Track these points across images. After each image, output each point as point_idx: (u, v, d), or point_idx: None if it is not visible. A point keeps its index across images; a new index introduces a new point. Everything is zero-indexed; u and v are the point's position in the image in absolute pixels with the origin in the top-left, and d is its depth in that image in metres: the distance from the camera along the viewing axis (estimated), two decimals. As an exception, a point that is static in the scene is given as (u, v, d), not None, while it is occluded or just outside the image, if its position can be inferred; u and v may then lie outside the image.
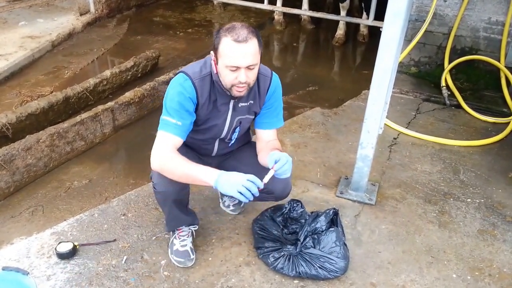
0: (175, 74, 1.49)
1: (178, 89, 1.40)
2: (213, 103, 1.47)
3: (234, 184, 1.27)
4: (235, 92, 1.39)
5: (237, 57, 1.30)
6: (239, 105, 1.50)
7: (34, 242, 1.69)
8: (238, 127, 1.57)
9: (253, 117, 1.58)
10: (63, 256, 1.61)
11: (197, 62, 1.48)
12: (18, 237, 1.88)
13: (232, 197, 1.85)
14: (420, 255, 1.73)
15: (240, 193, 1.26)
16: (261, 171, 1.44)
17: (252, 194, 1.28)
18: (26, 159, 2.25)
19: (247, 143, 1.73)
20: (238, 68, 1.33)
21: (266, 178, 1.36)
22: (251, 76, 1.37)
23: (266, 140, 1.59)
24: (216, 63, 1.38)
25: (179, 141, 1.42)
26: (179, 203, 1.54)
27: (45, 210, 2.11)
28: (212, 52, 1.40)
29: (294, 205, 1.74)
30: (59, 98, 2.76)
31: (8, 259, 1.61)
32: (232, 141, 1.63)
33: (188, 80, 1.41)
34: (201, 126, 1.51)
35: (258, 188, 1.29)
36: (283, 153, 1.39)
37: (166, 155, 1.37)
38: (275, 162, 1.36)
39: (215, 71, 1.42)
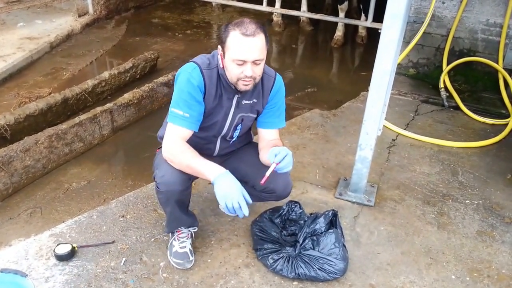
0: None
1: (187, 77, 1.42)
2: (219, 98, 1.48)
3: (228, 197, 1.31)
4: (241, 86, 1.40)
5: (244, 50, 1.32)
6: (243, 102, 1.51)
7: (33, 243, 1.68)
8: (240, 125, 1.58)
9: (256, 116, 1.59)
10: (61, 258, 1.60)
11: (205, 55, 1.49)
12: (17, 239, 1.87)
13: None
14: (419, 257, 1.74)
15: (226, 206, 1.30)
16: (262, 170, 1.45)
17: (234, 212, 1.32)
18: (24, 160, 2.24)
19: (248, 143, 1.73)
20: (244, 62, 1.34)
21: (268, 172, 1.38)
22: (257, 71, 1.39)
23: (268, 140, 1.60)
24: (223, 57, 1.40)
25: (188, 133, 1.45)
26: (181, 204, 1.55)
27: (44, 211, 2.11)
28: (219, 46, 1.42)
29: (293, 206, 1.74)
30: (57, 99, 2.76)
31: (7, 261, 1.60)
32: (234, 139, 1.63)
33: (197, 68, 1.43)
34: (204, 123, 1.52)
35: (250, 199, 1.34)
36: (283, 147, 1.42)
37: (174, 147, 1.42)
38: (276, 156, 1.39)
39: (221, 66, 1.43)
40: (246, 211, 1.31)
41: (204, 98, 1.45)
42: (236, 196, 1.31)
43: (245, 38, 1.32)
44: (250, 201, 1.33)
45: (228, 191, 1.31)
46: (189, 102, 1.42)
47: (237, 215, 1.32)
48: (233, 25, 1.35)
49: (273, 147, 1.45)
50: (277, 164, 1.38)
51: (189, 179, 1.48)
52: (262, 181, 1.38)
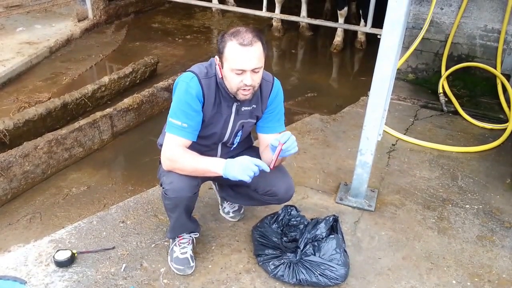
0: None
1: (185, 87, 1.42)
2: (217, 107, 1.49)
3: (243, 169, 1.34)
4: (241, 95, 1.41)
5: (243, 60, 1.33)
6: (242, 109, 1.52)
7: (32, 250, 1.67)
8: (241, 131, 1.58)
9: (255, 121, 1.60)
10: (61, 264, 1.59)
11: (203, 63, 1.50)
12: (16, 245, 1.86)
13: (232, 203, 1.86)
14: (420, 261, 1.74)
15: (250, 176, 1.34)
16: (263, 174, 1.45)
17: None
18: (23, 166, 2.24)
19: (248, 147, 1.73)
20: (244, 71, 1.35)
21: (275, 155, 1.39)
22: (256, 79, 1.39)
23: (268, 144, 1.59)
24: (221, 67, 1.41)
25: (187, 142, 1.46)
26: (188, 210, 1.55)
27: (43, 217, 2.10)
28: (216, 57, 1.43)
29: (289, 210, 1.73)
30: (57, 104, 2.76)
31: (6, 267, 1.58)
32: (234, 145, 1.64)
33: (195, 78, 1.43)
34: (205, 132, 1.52)
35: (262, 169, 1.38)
36: (284, 132, 1.42)
37: (174, 154, 1.42)
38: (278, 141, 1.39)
39: (220, 76, 1.44)
40: (266, 167, 1.36)
41: (203, 107, 1.46)
42: (250, 164, 1.35)
43: (242, 48, 1.32)
44: (264, 164, 1.37)
45: (240, 166, 1.35)
46: (187, 112, 1.42)
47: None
48: (229, 35, 1.35)
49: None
50: (282, 144, 1.38)
51: (197, 184, 1.48)
52: (271, 166, 1.39)
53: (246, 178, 1.34)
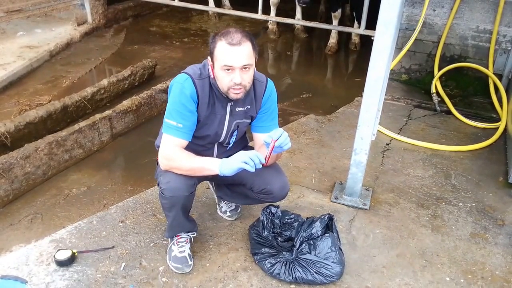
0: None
1: (179, 88, 1.45)
2: (211, 107, 1.52)
3: (237, 160, 1.36)
4: (232, 94, 1.44)
5: (231, 57, 1.36)
6: (236, 110, 1.55)
7: (33, 249, 1.70)
8: (236, 131, 1.61)
9: (250, 121, 1.63)
10: (62, 264, 1.62)
11: (196, 65, 1.53)
12: (17, 245, 1.89)
13: (229, 202, 1.89)
14: (414, 259, 1.76)
15: (246, 163, 1.35)
16: (260, 173, 1.48)
17: (255, 164, 1.36)
18: (24, 167, 2.27)
19: (244, 147, 1.76)
20: (232, 68, 1.38)
21: (268, 151, 1.42)
22: (246, 78, 1.42)
23: (263, 143, 1.63)
24: (213, 68, 1.44)
25: (183, 142, 1.49)
26: (185, 209, 1.57)
27: (44, 217, 2.13)
28: (208, 57, 1.46)
29: (268, 210, 1.72)
30: (57, 107, 2.79)
31: (7, 267, 1.61)
32: (230, 145, 1.67)
33: (189, 79, 1.46)
34: (200, 132, 1.55)
35: (260, 162, 1.38)
36: (277, 129, 1.45)
37: (171, 153, 1.45)
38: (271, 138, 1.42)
39: (212, 76, 1.47)
40: (261, 158, 1.37)
41: (197, 107, 1.49)
42: (244, 155, 1.36)
43: (231, 47, 1.35)
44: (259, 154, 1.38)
45: (236, 157, 1.37)
46: (182, 113, 1.45)
47: (256, 166, 1.37)
48: (219, 36, 1.39)
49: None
50: (275, 141, 1.40)
51: (193, 184, 1.51)
52: (265, 163, 1.41)
53: (243, 165, 1.35)
